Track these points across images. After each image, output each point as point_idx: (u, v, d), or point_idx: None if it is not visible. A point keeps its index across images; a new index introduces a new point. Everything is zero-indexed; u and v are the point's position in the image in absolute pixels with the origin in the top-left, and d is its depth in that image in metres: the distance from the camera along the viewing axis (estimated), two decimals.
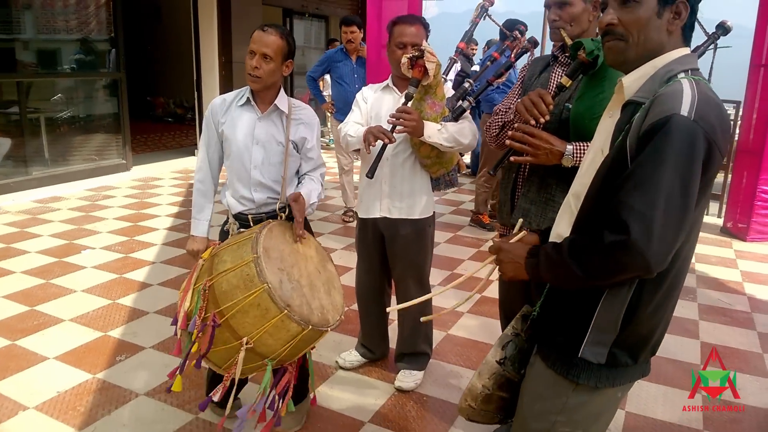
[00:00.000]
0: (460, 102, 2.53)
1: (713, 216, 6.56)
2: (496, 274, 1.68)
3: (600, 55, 1.91)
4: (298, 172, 2.54)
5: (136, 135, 9.96)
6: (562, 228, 1.54)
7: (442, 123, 2.54)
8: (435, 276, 4.47)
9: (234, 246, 2.14)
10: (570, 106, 2.07)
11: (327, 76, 6.08)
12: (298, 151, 2.47)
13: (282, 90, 2.45)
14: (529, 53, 2.56)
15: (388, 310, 2.24)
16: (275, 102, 2.39)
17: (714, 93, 1.35)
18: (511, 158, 2.08)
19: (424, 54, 2.35)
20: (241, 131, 2.40)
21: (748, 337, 3.76)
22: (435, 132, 2.53)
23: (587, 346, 1.41)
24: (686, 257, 1.40)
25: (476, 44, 7.96)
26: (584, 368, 1.43)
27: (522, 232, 1.68)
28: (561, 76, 2.24)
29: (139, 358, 3.19)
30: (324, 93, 7.13)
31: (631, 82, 1.41)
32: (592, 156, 1.53)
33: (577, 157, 2.00)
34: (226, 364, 2.13)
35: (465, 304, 4.01)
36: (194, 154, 8.97)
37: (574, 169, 1.77)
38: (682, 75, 1.35)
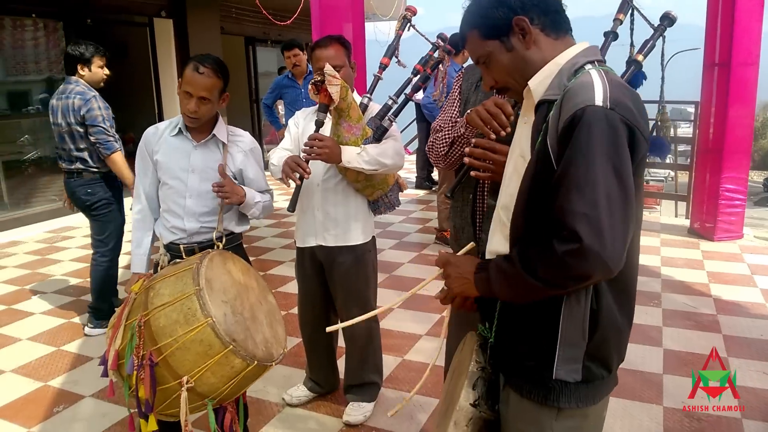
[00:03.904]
0: (382, 121, 2.45)
1: (681, 217, 6.53)
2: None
3: None
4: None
5: None
6: (496, 244, 1.45)
7: (363, 146, 2.46)
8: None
9: (171, 278, 2.03)
10: None
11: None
12: (236, 179, 2.41)
13: (220, 118, 2.39)
14: (443, 63, 2.47)
15: (328, 329, 1.92)
16: (214, 131, 2.35)
17: (624, 81, 1.32)
18: (472, 173, 1.86)
19: (326, 78, 2.26)
20: (176, 159, 2.35)
21: (712, 341, 3.68)
22: (354, 156, 2.44)
23: (560, 365, 1.32)
24: (634, 250, 1.34)
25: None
26: (562, 390, 1.33)
27: (467, 246, 1.61)
28: None
29: (77, 408, 3.05)
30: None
31: (538, 84, 1.36)
32: (513, 164, 1.45)
33: None
34: (161, 407, 1.99)
35: (422, 325, 3.90)
36: None
37: None
38: (589, 66, 1.31)
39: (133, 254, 2.44)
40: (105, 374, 2.07)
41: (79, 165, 3.84)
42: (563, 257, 1.17)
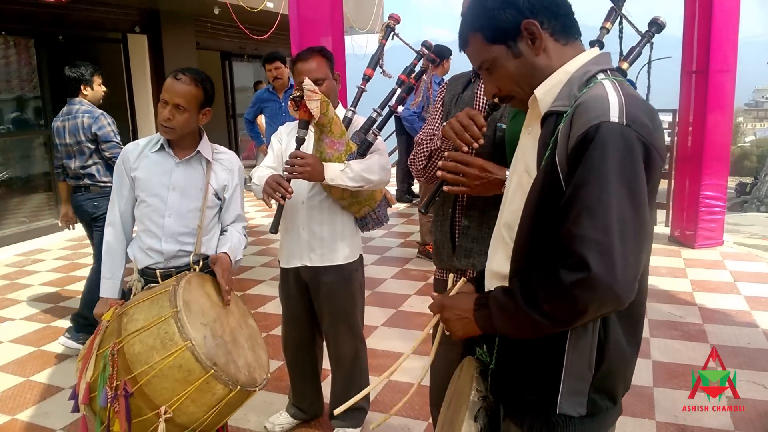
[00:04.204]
0: (366, 135, 2.37)
1: (661, 225, 6.53)
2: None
3: None
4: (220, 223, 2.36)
5: None
6: (498, 263, 1.36)
7: (347, 162, 2.37)
8: (379, 316, 4.28)
9: (146, 302, 1.93)
10: (503, 126, 1.88)
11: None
12: (218, 199, 2.31)
13: (205, 135, 2.30)
14: (427, 72, 2.40)
15: (335, 411, 1.67)
16: (198, 148, 2.25)
17: (637, 93, 1.23)
18: (445, 188, 1.83)
19: (305, 93, 2.17)
20: (156, 176, 2.24)
21: (701, 351, 3.64)
22: (338, 173, 2.34)
23: (564, 399, 1.23)
24: (643, 274, 1.25)
25: None
26: (566, 425, 1.25)
27: (459, 283, 1.51)
28: None
29: None
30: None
31: (545, 93, 1.26)
32: (517, 179, 1.36)
33: None
34: None
35: (408, 343, 3.79)
36: None
37: None
38: (602, 76, 1.22)
39: (103, 278, 2.31)
40: (76, 409, 1.97)
41: (86, 180, 3.96)
42: (571, 289, 1.08)
